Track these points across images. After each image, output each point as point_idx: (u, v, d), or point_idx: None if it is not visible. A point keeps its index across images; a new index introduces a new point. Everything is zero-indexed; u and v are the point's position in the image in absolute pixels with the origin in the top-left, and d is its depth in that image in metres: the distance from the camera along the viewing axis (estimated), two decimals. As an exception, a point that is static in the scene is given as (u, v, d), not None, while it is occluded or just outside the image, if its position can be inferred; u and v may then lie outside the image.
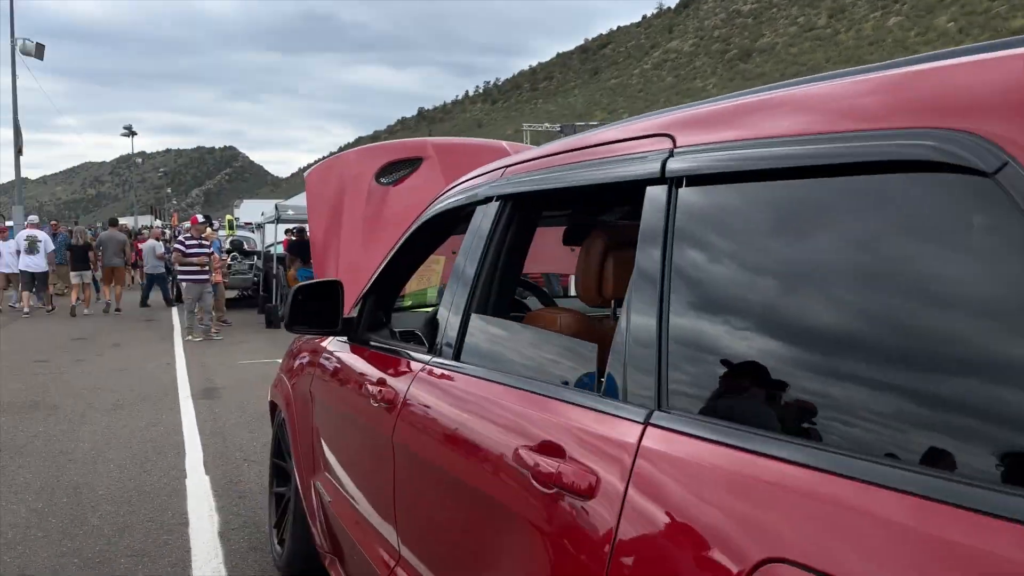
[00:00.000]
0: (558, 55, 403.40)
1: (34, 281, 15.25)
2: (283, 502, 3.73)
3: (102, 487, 4.82)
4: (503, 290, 2.04)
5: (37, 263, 15.00)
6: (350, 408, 2.60)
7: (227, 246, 16.30)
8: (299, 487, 3.29)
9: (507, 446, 1.50)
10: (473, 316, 1.97)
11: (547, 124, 52.52)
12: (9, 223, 27.64)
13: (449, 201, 2.38)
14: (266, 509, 4.36)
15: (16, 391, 7.78)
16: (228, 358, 9.96)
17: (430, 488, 1.87)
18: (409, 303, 3.46)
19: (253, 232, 19.64)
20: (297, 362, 3.52)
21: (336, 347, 3.04)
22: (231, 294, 16.50)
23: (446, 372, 1.96)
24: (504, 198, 1.99)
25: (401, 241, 2.68)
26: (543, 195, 1.84)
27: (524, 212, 2.01)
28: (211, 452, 5.60)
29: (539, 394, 1.53)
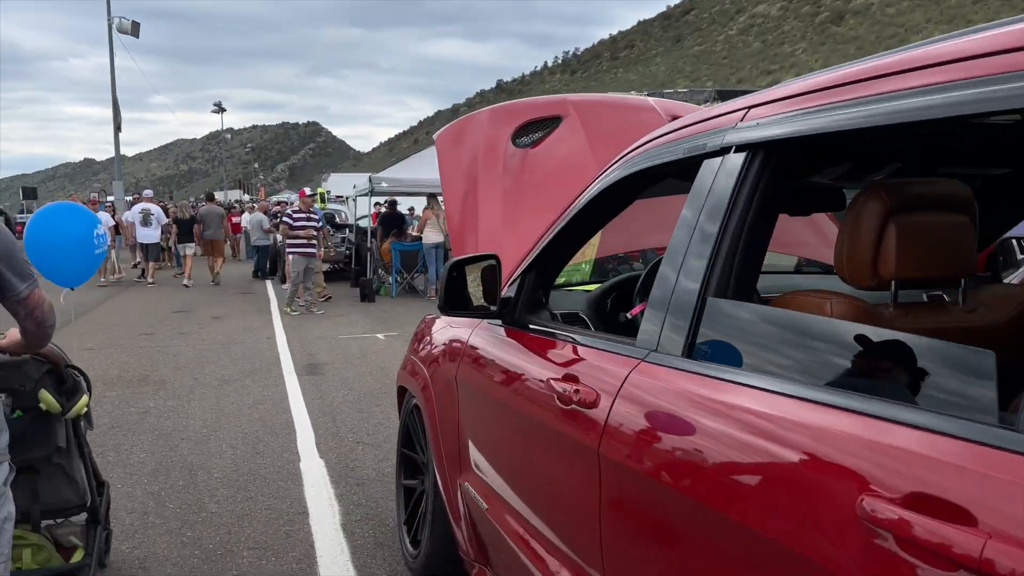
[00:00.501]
0: (639, 23, 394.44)
1: (147, 251, 15.96)
2: (414, 497, 3.41)
3: (216, 469, 4.62)
4: (749, 268, 1.59)
5: (150, 235, 15.69)
6: (520, 405, 2.21)
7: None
8: (440, 485, 2.94)
9: (846, 489, 1.06)
10: (710, 302, 1.53)
11: (633, 92, 51.34)
12: (110, 198, 28.68)
13: (648, 156, 1.93)
14: (388, 500, 4.07)
15: (124, 364, 7.78)
16: (327, 332, 9.82)
17: (674, 524, 1.44)
18: (561, 280, 3.04)
19: (344, 205, 19.67)
20: (435, 345, 3.15)
21: (488, 331, 2.65)
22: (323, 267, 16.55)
23: (682, 373, 1.52)
24: (753, 147, 1.53)
25: (576, 208, 2.25)
26: (826, 139, 1.37)
27: (781, 164, 1.55)
28: (322, 433, 5.36)
29: (885, 420, 1.07)
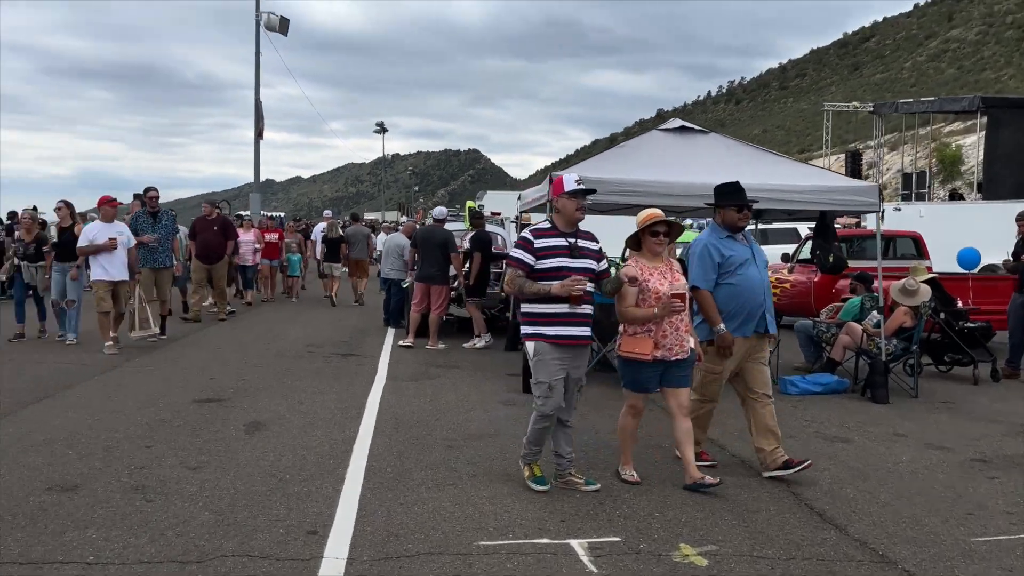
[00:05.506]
0: (812, 51, 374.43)
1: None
2: None
3: None
4: None
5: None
6: None
7: (466, 245, 10.85)
8: None
9: None
10: None
11: (855, 104, 42.52)
12: (246, 212, 25.18)
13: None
14: None
15: None
16: (446, 505, 4.18)
17: None
18: None
19: (502, 227, 14.20)
20: None
21: None
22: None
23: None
24: None
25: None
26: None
27: None
28: None
29: None
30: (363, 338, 10.97)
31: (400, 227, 18.26)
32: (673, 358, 4.61)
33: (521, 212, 10.07)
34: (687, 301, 4.64)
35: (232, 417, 6.12)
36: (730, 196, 5.13)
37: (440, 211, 11.22)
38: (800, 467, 4.82)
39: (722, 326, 4.86)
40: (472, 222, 11.11)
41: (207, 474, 4.69)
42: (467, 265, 10.46)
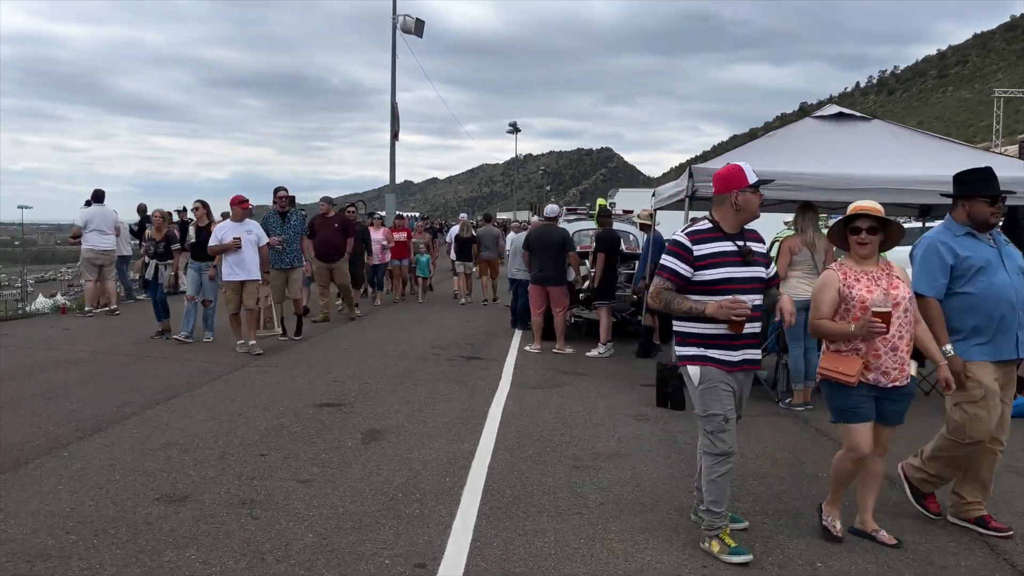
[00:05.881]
0: (975, 36, 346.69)
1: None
2: None
3: None
4: None
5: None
6: None
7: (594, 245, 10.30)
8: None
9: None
10: None
11: None
12: (381, 213, 25.75)
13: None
14: None
15: None
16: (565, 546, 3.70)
17: None
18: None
19: (631, 225, 13.54)
20: None
21: None
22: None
23: None
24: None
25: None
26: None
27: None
28: None
29: None
30: (489, 340, 10.66)
31: (528, 226, 18.01)
32: (890, 384, 3.71)
33: (656, 208, 9.43)
34: (905, 318, 3.69)
35: (350, 424, 5.89)
36: (982, 185, 4.01)
37: (552, 209, 10.59)
38: (999, 533, 3.98)
39: (949, 347, 3.92)
40: (599, 220, 10.51)
41: (317, 489, 4.42)
42: (594, 266, 9.91)
